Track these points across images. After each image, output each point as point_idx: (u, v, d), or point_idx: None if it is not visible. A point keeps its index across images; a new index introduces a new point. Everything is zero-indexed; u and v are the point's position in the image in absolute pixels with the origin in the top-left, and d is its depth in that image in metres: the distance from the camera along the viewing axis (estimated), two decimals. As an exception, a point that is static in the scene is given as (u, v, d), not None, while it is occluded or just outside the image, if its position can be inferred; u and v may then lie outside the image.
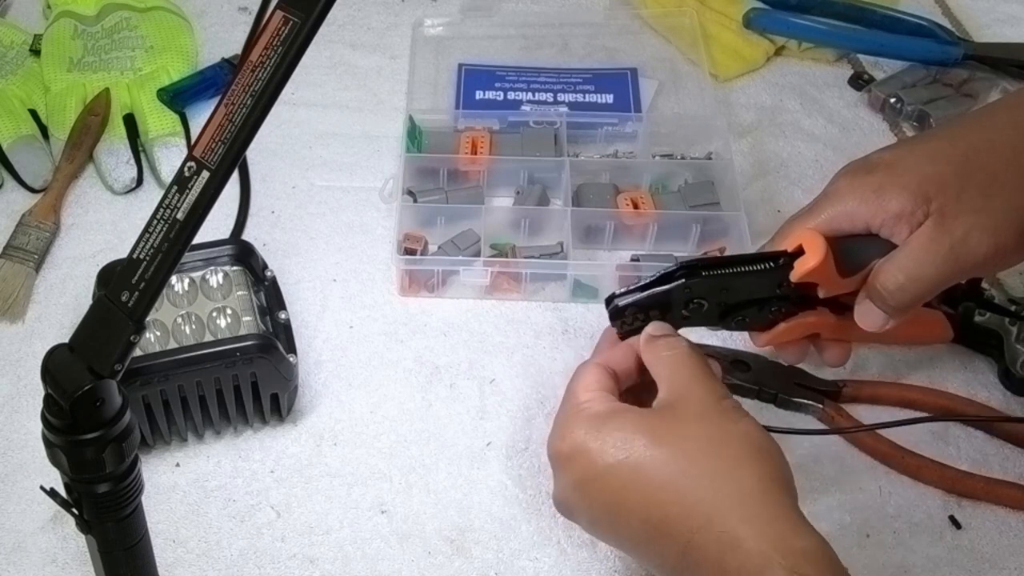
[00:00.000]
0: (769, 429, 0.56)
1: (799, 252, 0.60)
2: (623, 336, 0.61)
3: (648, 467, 0.53)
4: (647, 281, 0.60)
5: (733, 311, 0.62)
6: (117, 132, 0.88)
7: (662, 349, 0.58)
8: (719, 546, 0.50)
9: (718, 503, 0.51)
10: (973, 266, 0.60)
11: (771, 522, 0.51)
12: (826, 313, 0.63)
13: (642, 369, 0.59)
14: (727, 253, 0.79)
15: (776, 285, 0.61)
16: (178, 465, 0.68)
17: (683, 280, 0.60)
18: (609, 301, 0.61)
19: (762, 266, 0.60)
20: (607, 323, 0.63)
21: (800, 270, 0.60)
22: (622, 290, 0.61)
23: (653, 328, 0.60)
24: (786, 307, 0.62)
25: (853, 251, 0.60)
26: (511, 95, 0.94)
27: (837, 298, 0.62)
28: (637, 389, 0.60)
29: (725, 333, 0.76)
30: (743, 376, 0.72)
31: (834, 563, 0.51)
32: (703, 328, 0.63)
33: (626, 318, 0.60)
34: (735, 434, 0.54)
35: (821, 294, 0.62)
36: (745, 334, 0.76)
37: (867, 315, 0.62)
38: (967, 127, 0.63)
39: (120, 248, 0.80)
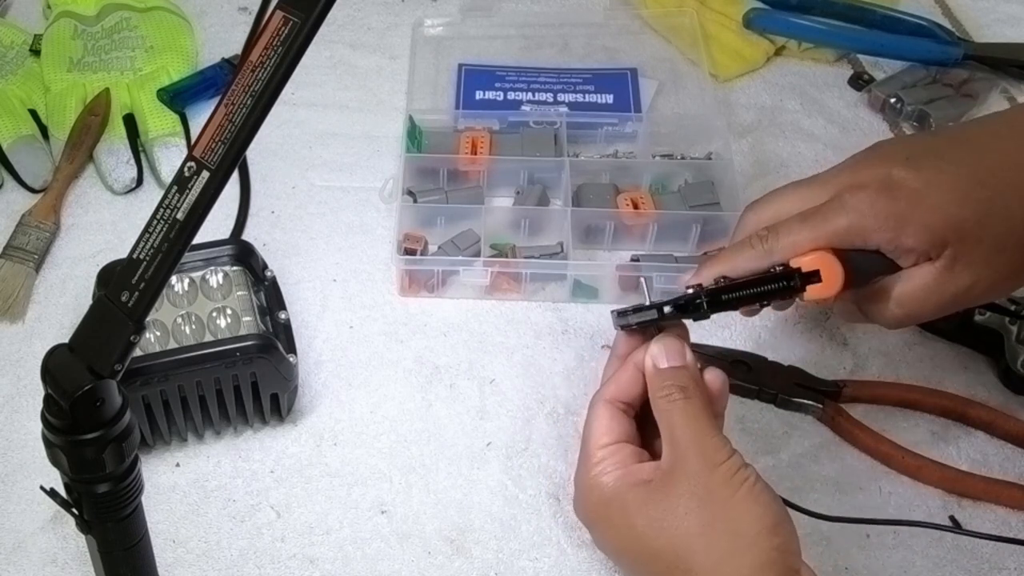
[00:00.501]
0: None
1: (813, 272, 0.59)
2: (630, 332, 0.60)
3: (649, 551, 0.55)
4: (661, 303, 0.59)
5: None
6: (117, 132, 0.88)
7: (664, 402, 0.57)
8: None
9: None
10: (967, 306, 0.61)
11: None
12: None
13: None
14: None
15: (782, 296, 0.60)
16: (178, 465, 0.68)
17: (706, 311, 0.59)
18: (620, 315, 0.60)
19: (776, 285, 0.59)
20: (607, 323, 0.63)
21: (814, 297, 0.59)
22: (633, 307, 0.60)
23: (658, 354, 0.59)
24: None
25: (860, 268, 0.59)
26: (511, 95, 0.94)
27: None
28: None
29: (725, 333, 0.76)
30: (743, 376, 0.72)
31: None
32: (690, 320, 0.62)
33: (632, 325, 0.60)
34: (725, 518, 0.53)
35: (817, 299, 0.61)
36: (745, 334, 0.76)
37: (849, 317, 0.63)
38: (993, 157, 0.59)
39: (120, 248, 0.80)
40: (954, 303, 0.59)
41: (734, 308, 0.60)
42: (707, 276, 0.60)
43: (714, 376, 0.59)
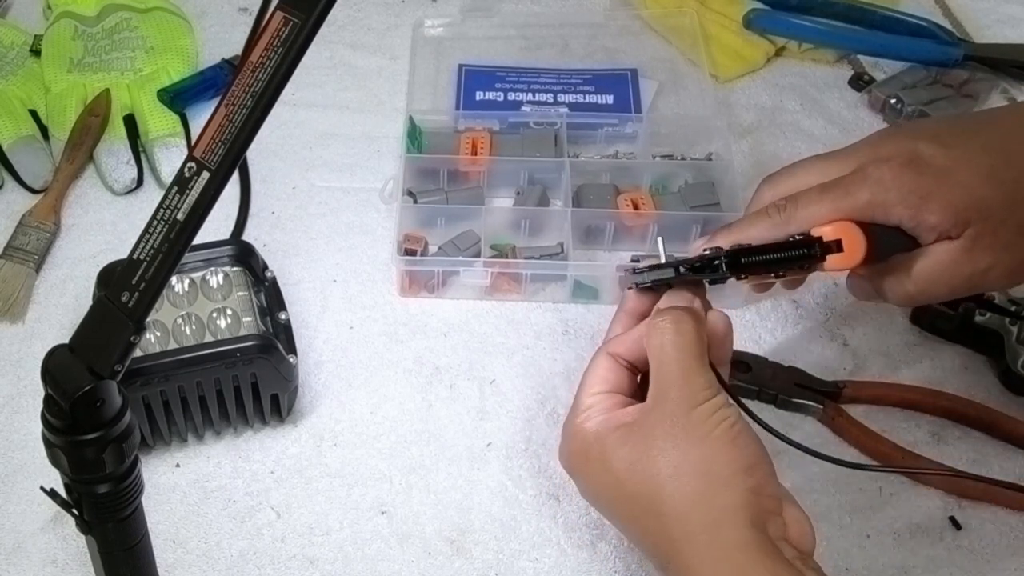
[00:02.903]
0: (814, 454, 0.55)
1: (834, 242, 0.57)
2: (641, 291, 0.59)
3: (627, 494, 0.54)
4: (676, 261, 0.57)
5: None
6: (117, 132, 0.88)
7: (656, 335, 0.56)
8: None
9: (675, 541, 0.52)
10: (981, 289, 0.60)
11: (715, 565, 0.50)
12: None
13: None
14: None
15: (801, 265, 0.58)
16: (178, 466, 0.68)
17: (728, 272, 0.57)
18: (635, 273, 0.58)
19: (797, 252, 0.58)
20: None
21: (835, 267, 0.58)
22: (648, 266, 0.58)
23: (665, 299, 0.57)
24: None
25: (881, 242, 0.58)
26: (511, 96, 0.94)
27: None
28: None
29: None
30: (743, 376, 0.72)
31: None
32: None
33: (644, 280, 0.59)
34: (697, 458, 0.52)
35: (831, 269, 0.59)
36: (745, 334, 0.76)
37: (861, 293, 0.62)
38: (1022, 139, 0.59)
39: (120, 248, 0.80)
40: (970, 285, 0.59)
41: (752, 273, 0.58)
42: (722, 243, 0.59)
43: (717, 317, 0.58)
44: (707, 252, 0.58)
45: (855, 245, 0.57)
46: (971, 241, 0.57)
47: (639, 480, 0.53)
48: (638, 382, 0.59)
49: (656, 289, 0.59)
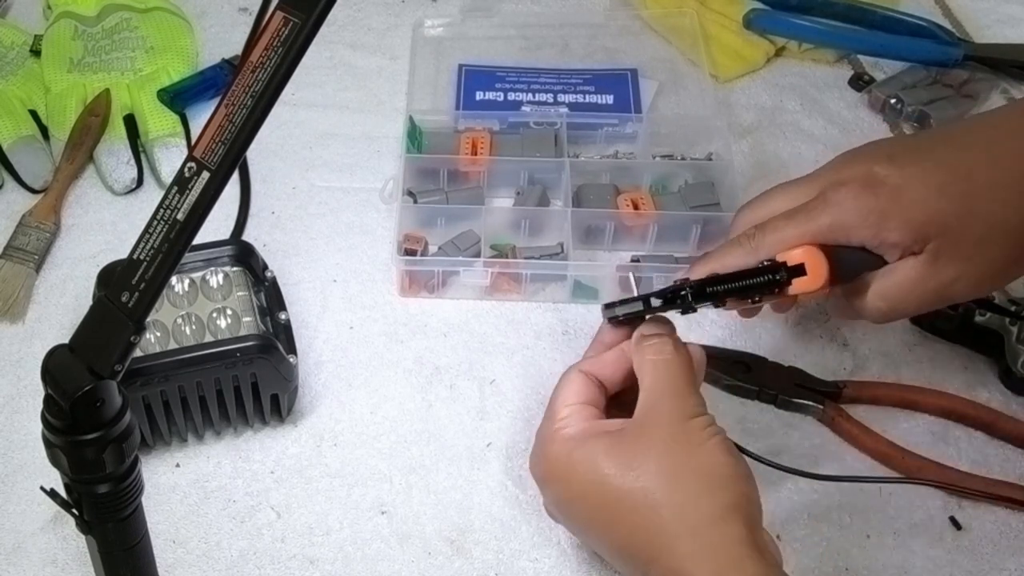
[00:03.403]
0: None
1: (798, 267, 0.59)
2: (616, 324, 0.62)
3: (614, 493, 0.55)
4: (647, 295, 0.60)
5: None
6: (117, 133, 0.88)
7: (647, 353, 0.59)
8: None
9: (671, 535, 0.53)
10: (952, 301, 0.62)
11: (715, 555, 0.52)
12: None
13: (631, 375, 0.60)
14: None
15: (769, 290, 0.61)
16: (178, 466, 0.68)
17: (691, 305, 0.60)
18: (608, 307, 0.61)
19: (762, 279, 0.60)
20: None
21: (800, 290, 0.60)
22: (620, 300, 0.61)
23: (646, 327, 0.60)
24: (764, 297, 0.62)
25: (846, 263, 0.60)
26: (511, 96, 0.94)
27: None
28: (627, 397, 0.60)
29: (725, 333, 0.76)
30: (743, 376, 0.72)
31: None
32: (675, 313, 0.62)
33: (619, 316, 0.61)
34: (696, 462, 0.54)
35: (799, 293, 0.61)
36: (745, 335, 0.76)
37: (841, 313, 0.64)
38: (975, 154, 0.60)
39: (120, 248, 0.80)
40: (937, 298, 0.60)
41: (721, 301, 0.60)
42: (698, 274, 0.61)
43: (694, 349, 0.61)
44: (676, 282, 0.60)
45: (818, 268, 0.59)
46: (933, 255, 0.58)
47: (634, 477, 0.54)
48: (605, 402, 0.61)
49: (629, 323, 0.61)
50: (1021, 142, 0.60)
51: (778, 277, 0.59)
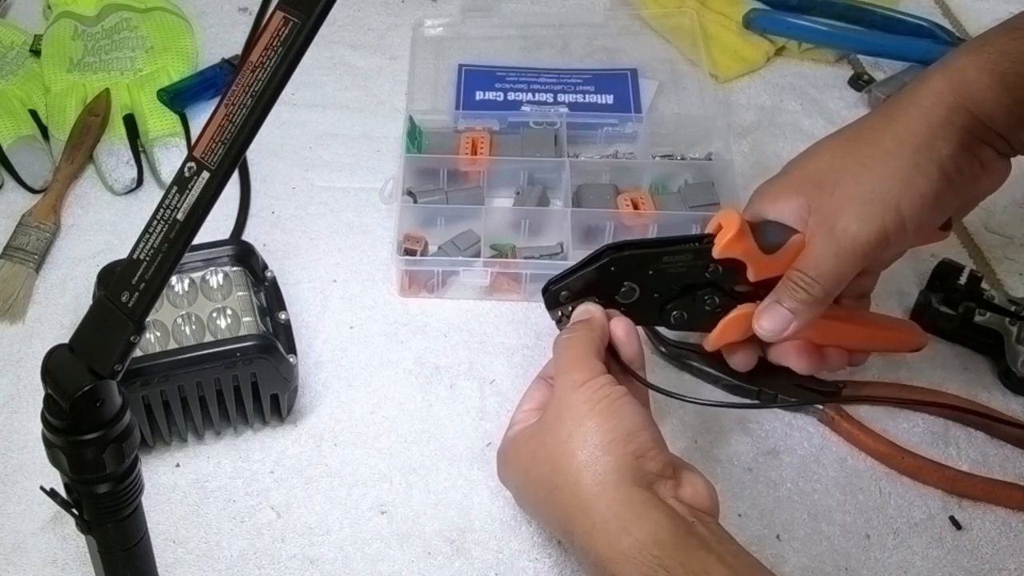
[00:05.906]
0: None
1: (718, 231, 0.63)
2: (560, 324, 0.64)
3: (534, 483, 0.59)
4: (577, 264, 0.63)
5: (668, 303, 0.65)
6: (117, 132, 0.88)
7: (555, 342, 0.62)
8: (583, 556, 0.56)
9: (572, 511, 0.55)
10: (868, 251, 0.62)
11: (613, 517, 0.54)
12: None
13: None
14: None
15: (704, 268, 0.64)
16: (178, 465, 0.68)
17: (607, 259, 0.62)
18: (546, 289, 0.64)
19: (686, 244, 0.63)
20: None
21: (720, 243, 0.62)
22: (556, 275, 0.64)
23: (577, 312, 0.63)
24: (720, 297, 0.65)
25: (770, 230, 0.64)
26: (511, 96, 0.94)
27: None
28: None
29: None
30: (743, 376, 0.72)
31: (667, 546, 0.52)
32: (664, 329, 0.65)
33: (564, 307, 0.64)
34: (586, 429, 0.56)
35: (751, 277, 0.64)
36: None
37: (771, 316, 0.64)
38: (862, 131, 0.66)
39: (120, 248, 0.80)
40: (842, 250, 0.62)
41: (643, 263, 0.63)
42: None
43: (616, 322, 0.63)
44: (598, 249, 0.64)
45: (731, 220, 0.63)
46: (818, 212, 0.63)
47: (540, 463, 0.58)
48: None
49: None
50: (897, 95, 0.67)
51: (702, 241, 0.63)
